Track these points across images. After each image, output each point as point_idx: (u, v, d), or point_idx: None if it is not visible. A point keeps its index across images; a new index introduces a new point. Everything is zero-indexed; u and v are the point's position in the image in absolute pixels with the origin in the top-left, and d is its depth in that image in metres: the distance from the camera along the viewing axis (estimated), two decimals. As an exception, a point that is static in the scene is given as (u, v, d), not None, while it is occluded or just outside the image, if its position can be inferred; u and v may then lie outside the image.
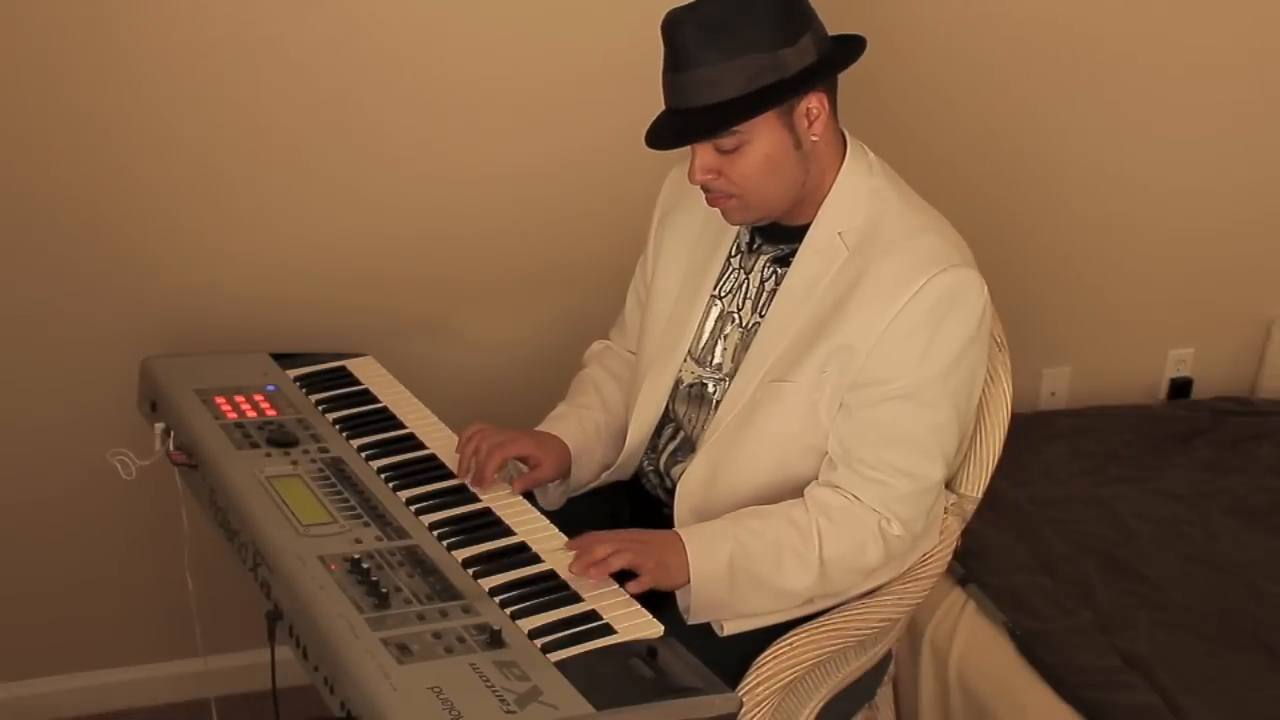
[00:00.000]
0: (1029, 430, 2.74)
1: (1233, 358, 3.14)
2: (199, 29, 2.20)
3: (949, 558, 1.99)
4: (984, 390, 1.96)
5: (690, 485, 1.81)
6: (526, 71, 2.39)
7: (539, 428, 1.93)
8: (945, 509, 1.97)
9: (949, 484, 2.00)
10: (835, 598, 1.82)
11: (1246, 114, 2.91)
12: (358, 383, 2.11)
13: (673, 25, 1.63)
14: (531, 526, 1.76)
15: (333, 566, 1.59)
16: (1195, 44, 2.81)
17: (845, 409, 1.72)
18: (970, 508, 2.01)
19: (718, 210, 1.76)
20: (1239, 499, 2.60)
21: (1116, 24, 2.73)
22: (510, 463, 1.86)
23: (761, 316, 1.78)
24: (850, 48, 1.72)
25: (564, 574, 1.64)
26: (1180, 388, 3.11)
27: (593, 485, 1.94)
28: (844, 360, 1.69)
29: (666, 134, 1.67)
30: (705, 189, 1.71)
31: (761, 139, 1.65)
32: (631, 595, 1.61)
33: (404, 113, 2.35)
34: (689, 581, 1.67)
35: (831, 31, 1.73)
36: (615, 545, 1.63)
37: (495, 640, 1.47)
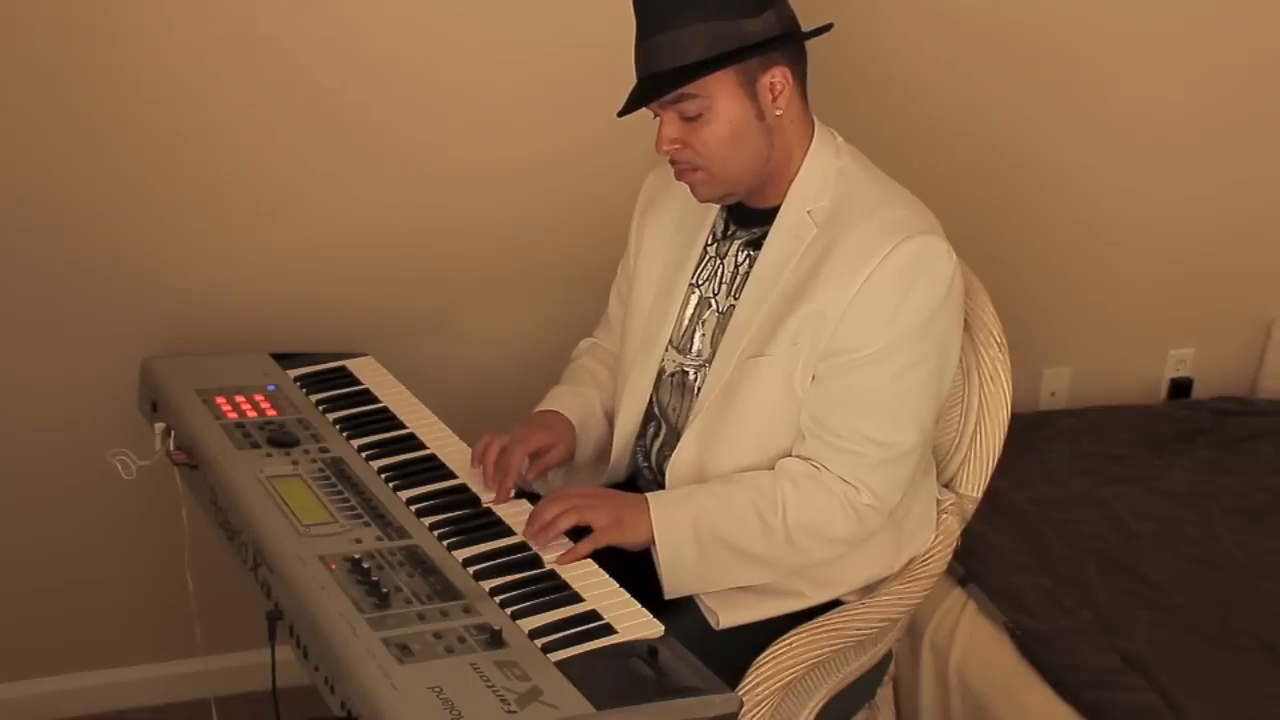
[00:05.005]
0: (1029, 430, 2.74)
1: (1233, 358, 3.13)
2: (199, 29, 2.20)
3: (949, 558, 1.99)
4: (984, 390, 1.96)
5: (678, 470, 1.82)
6: (525, 70, 2.39)
7: (538, 408, 1.96)
8: (945, 509, 1.97)
9: (949, 484, 2.01)
10: (807, 571, 1.81)
11: (1246, 113, 2.91)
12: (358, 383, 2.11)
13: None
14: (532, 526, 1.75)
15: (333, 566, 1.59)
16: (1196, 43, 2.81)
17: (816, 380, 1.73)
18: (970, 508, 2.01)
19: (695, 202, 1.80)
20: (1239, 499, 2.60)
21: (1117, 23, 2.73)
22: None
23: (737, 299, 1.80)
24: (815, 29, 1.74)
25: (564, 574, 1.64)
26: (1180, 388, 3.11)
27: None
28: (815, 329, 1.70)
29: (631, 98, 1.72)
30: (673, 162, 1.75)
31: (724, 107, 1.68)
32: (589, 554, 1.66)
33: (403, 112, 2.35)
34: (653, 540, 1.70)
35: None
36: (566, 504, 1.69)
37: (496, 640, 1.47)
